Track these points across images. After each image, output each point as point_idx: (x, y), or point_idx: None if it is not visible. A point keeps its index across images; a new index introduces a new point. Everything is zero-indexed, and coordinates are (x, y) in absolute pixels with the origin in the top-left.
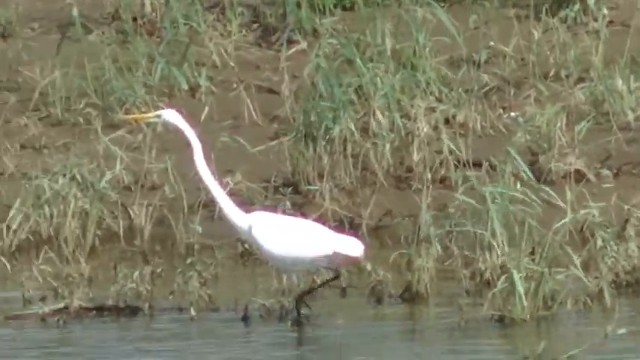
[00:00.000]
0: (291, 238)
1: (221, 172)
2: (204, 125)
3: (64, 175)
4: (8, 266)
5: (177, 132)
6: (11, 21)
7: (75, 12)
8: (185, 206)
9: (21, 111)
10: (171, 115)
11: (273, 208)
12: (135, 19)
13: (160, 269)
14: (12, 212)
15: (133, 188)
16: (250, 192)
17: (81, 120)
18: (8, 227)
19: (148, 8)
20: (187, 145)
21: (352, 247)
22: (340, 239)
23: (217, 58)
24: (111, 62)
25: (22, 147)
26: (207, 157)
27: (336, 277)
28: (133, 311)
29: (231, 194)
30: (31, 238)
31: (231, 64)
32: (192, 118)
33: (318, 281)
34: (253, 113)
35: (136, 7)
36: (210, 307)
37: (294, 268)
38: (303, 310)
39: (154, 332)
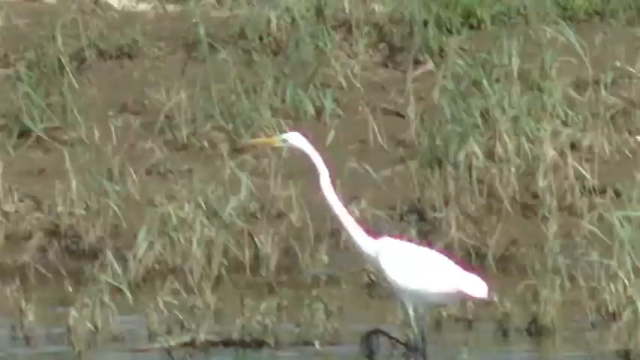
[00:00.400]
0: (418, 269)
1: (346, 198)
2: (329, 149)
3: (189, 202)
4: (131, 298)
5: (304, 156)
6: (137, 40)
7: (201, 31)
8: (311, 235)
9: (146, 134)
10: (297, 140)
11: (400, 236)
12: (261, 38)
13: (285, 301)
14: (138, 240)
15: (259, 215)
16: (375, 219)
17: (206, 144)
18: (134, 256)
19: (274, 27)
20: (313, 170)
21: (476, 287)
22: (466, 277)
23: (343, 79)
24: (237, 83)
25: (147, 172)
26: (332, 182)
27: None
28: (259, 345)
29: (357, 221)
30: (156, 267)
31: (358, 85)
32: (317, 141)
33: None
34: (379, 137)
35: (262, 26)
36: (335, 340)
37: (415, 299)
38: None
39: None
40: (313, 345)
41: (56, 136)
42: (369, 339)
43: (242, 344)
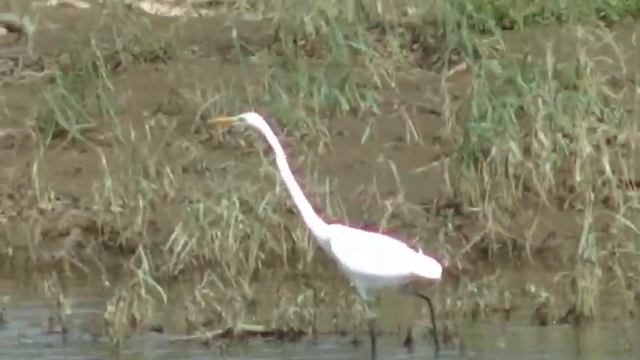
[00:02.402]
0: (370, 253)
1: (383, 193)
2: (365, 146)
3: (225, 198)
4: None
5: (260, 135)
6: (172, 44)
7: (235, 34)
8: None
9: (182, 134)
10: (255, 119)
11: (435, 232)
12: (295, 41)
13: (322, 293)
14: (174, 235)
15: (294, 211)
16: (412, 214)
17: (242, 142)
18: (171, 251)
19: (308, 30)
20: (348, 166)
21: (430, 268)
22: (419, 259)
23: (378, 79)
24: (272, 83)
25: (184, 170)
26: (368, 179)
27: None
28: (297, 335)
29: (393, 216)
30: (193, 261)
31: (393, 85)
32: (353, 139)
33: None
34: (415, 134)
35: (296, 29)
36: (373, 330)
37: (369, 283)
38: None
39: (317, 356)
40: (351, 335)
41: (92, 137)
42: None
43: (280, 335)
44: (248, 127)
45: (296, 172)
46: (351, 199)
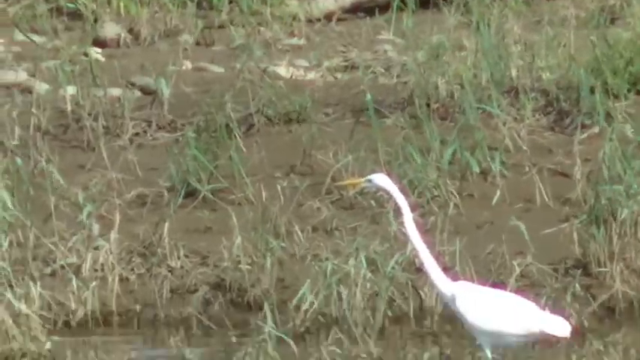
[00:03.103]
0: (496, 310)
1: (512, 253)
2: (496, 207)
3: (354, 257)
4: (295, 349)
5: (388, 196)
6: (306, 106)
7: (369, 97)
8: None
9: (313, 195)
10: (382, 180)
11: (563, 291)
12: (428, 104)
13: (449, 350)
14: (301, 293)
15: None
16: (540, 273)
17: (373, 203)
18: (298, 308)
19: (442, 93)
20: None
21: (559, 327)
22: (547, 318)
23: (510, 142)
24: (404, 146)
25: (314, 229)
26: (497, 239)
27: None
28: None
29: (522, 275)
30: (320, 319)
31: (524, 147)
32: (484, 200)
33: None
34: (545, 196)
35: (430, 92)
36: None
37: (495, 341)
38: None
39: None
40: None
41: (223, 197)
42: None
43: None
44: (377, 189)
45: (427, 232)
46: (480, 258)
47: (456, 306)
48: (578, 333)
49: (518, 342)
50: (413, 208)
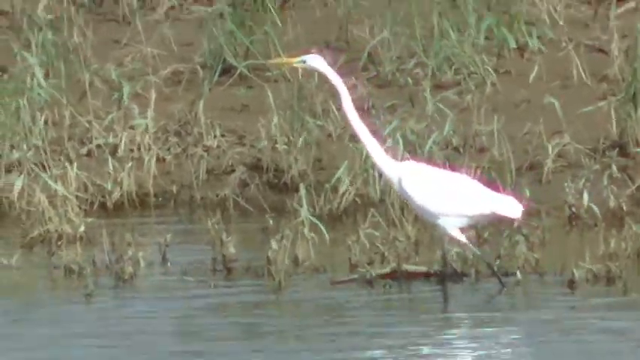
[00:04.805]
0: (446, 193)
1: (548, 133)
2: (533, 85)
3: (391, 137)
4: (332, 231)
5: (323, 78)
6: None
7: None
8: (513, 169)
9: (349, 71)
10: (316, 61)
11: (601, 173)
12: None
13: (486, 233)
14: (338, 174)
15: (461, 150)
16: (577, 154)
17: (410, 80)
18: (335, 190)
19: None
20: (519, 103)
21: (511, 208)
22: (498, 199)
23: (547, 16)
24: (440, 21)
25: None
26: (534, 119)
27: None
28: (459, 276)
29: (559, 156)
30: (357, 200)
31: (561, 22)
32: (520, 77)
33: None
34: (582, 73)
35: None
36: (536, 271)
37: (446, 223)
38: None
39: (478, 296)
40: (514, 275)
41: (259, 74)
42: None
43: (442, 275)
44: (311, 70)
45: (463, 110)
46: (517, 138)
47: (402, 188)
48: (616, 216)
49: (470, 223)
50: (448, 86)
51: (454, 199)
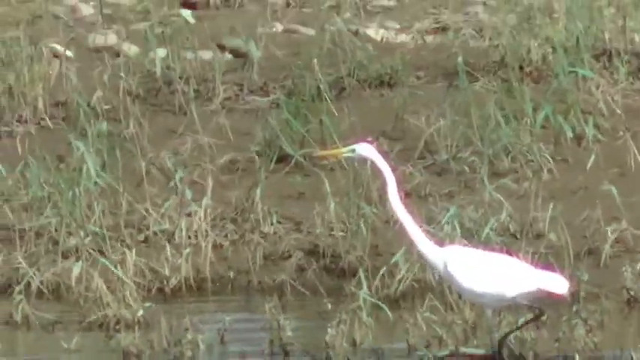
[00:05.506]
0: (491, 274)
1: (606, 219)
2: (590, 172)
3: (448, 223)
4: (390, 315)
5: (373, 166)
6: (397, 69)
7: (460, 60)
8: (571, 254)
9: (406, 159)
10: (366, 150)
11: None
12: (521, 68)
13: (545, 316)
14: (395, 259)
15: (518, 236)
16: (635, 239)
17: (466, 168)
18: (392, 274)
19: (534, 56)
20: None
21: (557, 284)
22: (544, 276)
23: (604, 106)
24: (497, 110)
25: (407, 195)
26: (592, 205)
27: (540, 315)
28: (518, 359)
29: (617, 241)
30: (415, 285)
31: (618, 111)
32: (577, 165)
33: (520, 321)
34: (639, 160)
35: (522, 55)
36: (595, 354)
37: (495, 304)
38: (505, 351)
39: None
40: (573, 358)
41: (315, 162)
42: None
43: (500, 358)
44: (360, 159)
45: (520, 198)
46: (574, 224)
47: (448, 272)
48: None
49: (518, 303)
50: (505, 174)
51: (500, 278)
